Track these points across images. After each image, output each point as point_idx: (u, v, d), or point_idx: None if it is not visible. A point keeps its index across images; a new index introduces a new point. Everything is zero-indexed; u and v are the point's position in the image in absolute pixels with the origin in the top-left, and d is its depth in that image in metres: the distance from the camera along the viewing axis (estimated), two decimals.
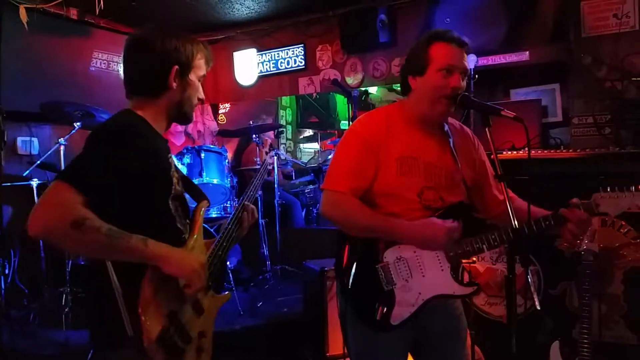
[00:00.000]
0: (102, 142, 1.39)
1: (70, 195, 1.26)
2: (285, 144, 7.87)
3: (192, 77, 1.58)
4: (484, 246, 1.78)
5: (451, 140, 1.90)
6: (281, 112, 7.77)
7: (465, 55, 1.80)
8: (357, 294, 1.81)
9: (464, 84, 1.80)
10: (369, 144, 1.80)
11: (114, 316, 1.37)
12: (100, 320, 1.47)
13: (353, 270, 1.80)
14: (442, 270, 1.78)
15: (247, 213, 1.86)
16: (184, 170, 3.77)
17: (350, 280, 1.80)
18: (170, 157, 1.58)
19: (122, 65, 1.58)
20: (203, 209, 1.65)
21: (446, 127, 1.92)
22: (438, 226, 1.73)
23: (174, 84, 1.53)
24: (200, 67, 1.60)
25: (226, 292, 1.68)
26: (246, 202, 1.87)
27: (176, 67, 1.53)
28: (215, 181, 3.89)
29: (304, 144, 8.29)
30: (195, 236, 1.57)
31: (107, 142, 1.38)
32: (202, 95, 1.64)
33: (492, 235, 1.77)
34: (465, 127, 2.04)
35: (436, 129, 1.89)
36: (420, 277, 1.78)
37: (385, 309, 1.75)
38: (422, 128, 1.86)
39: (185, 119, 1.65)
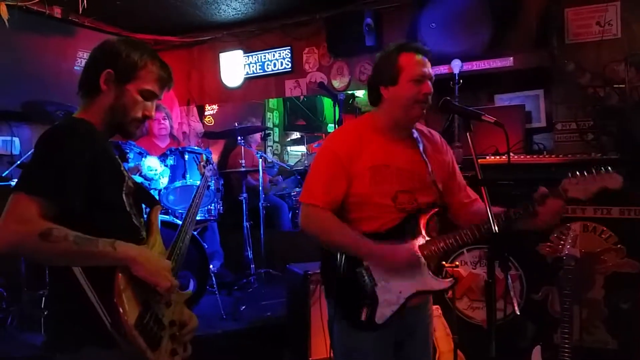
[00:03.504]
0: (49, 144, 1.41)
1: (30, 207, 1.30)
2: (272, 146, 7.85)
3: (131, 87, 1.54)
4: (456, 242, 1.86)
5: (421, 145, 1.99)
6: (268, 115, 7.74)
7: (429, 62, 1.92)
8: (342, 296, 1.91)
9: (431, 87, 1.91)
10: (340, 158, 1.89)
11: (85, 312, 1.38)
12: (70, 318, 1.46)
13: (337, 275, 1.89)
14: (419, 268, 1.87)
15: None
16: (167, 172, 3.73)
17: (336, 285, 1.91)
18: (118, 157, 1.62)
19: None
20: (158, 211, 1.69)
21: (415, 134, 2.01)
22: (400, 254, 1.83)
23: (105, 87, 1.52)
24: (145, 80, 1.55)
25: (187, 290, 1.73)
26: None
27: (109, 70, 1.51)
28: (198, 183, 3.85)
29: (291, 147, 8.27)
30: (154, 236, 1.61)
31: (54, 143, 1.41)
32: (148, 111, 1.59)
33: (464, 231, 1.86)
34: (434, 132, 2.13)
35: (406, 135, 1.99)
36: (399, 276, 1.86)
37: (369, 310, 1.84)
38: (393, 136, 1.96)
39: (122, 131, 1.59)
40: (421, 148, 1.98)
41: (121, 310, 1.35)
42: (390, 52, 1.91)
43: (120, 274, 1.38)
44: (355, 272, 1.87)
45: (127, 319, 1.35)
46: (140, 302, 1.43)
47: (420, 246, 1.87)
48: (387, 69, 1.90)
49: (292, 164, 7.08)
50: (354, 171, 1.88)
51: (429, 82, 1.89)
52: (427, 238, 1.89)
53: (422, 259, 1.86)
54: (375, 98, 1.97)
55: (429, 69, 1.90)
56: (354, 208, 1.91)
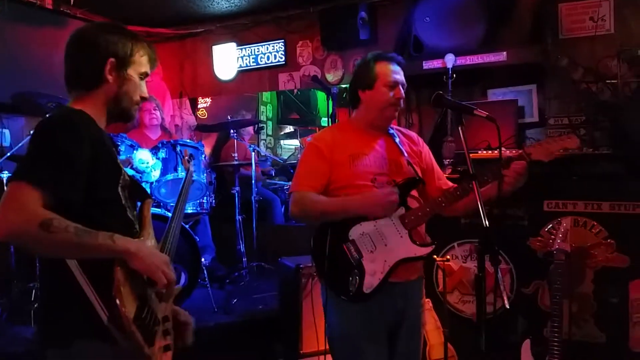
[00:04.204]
0: (51, 135, 1.39)
1: (31, 195, 1.29)
2: (265, 140, 7.83)
3: (131, 72, 1.58)
4: (431, 208, 2.04)
5: (397, 138, 2.21)
6: (262, 108, 7.73)
7: (402, 71, 2.16)
8: (332, 273, 2.05)
9: (403, 93, 2.15)
10: (322, 150, 2.12)
11: (77, 305, 1.38)
12: (61, 311, 1.44)
13: (327, 255, 2.05)
14: (402, 237, 2.03)
15: None
16: (158, 165, 3.71)
17: (326, 264, 2.05)
18: (114, 150, 1.61)
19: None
20: (150, 205, 1.69)
21: (391, 131, 2.24)
22: (378, 193, 2.02)
23: (110, 77, 1.54)
24: (141, 63, 1.60)
25: (177, 286, 1.72)
26: None
27: (112, 59, 1.53)
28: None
29: (285, 141, 8.27)
30: (147, 230, 1.61)
31: (54, 133, 1.39)
32: (144, 93, 1.63)
33: (438, 198, 2.05)
34: (411, 131, 2.39)
35: (383, 132, 2.21)
36: (383, 246, 2.01)
37: (357, 280, 1.99)
38: (370, 131, 2.19)
39: (125, 116, 1.63)
40: (397, 140, 2.20)
41: (120, 304, 1.33)
42: (368, 60, 2.16)
43: (118, 268, 1.36)
44: (342, 247, 2.02)
45: (127, 313, 1.34)
46: (137, 296, 1.41)
47: (400, 217, 2.03)
48: (364, 75, 2.14)
49: (285, 158, 7.07)
50: (335, 160, 2.09)
51: (401, 88, 2.12)
52: (407, 209, 2.05)
53: (404, 229, 2.02)
54: (354, 100, 2.20)
55: (402, 77, 2.14)
56: (338, 194, 2.09)
